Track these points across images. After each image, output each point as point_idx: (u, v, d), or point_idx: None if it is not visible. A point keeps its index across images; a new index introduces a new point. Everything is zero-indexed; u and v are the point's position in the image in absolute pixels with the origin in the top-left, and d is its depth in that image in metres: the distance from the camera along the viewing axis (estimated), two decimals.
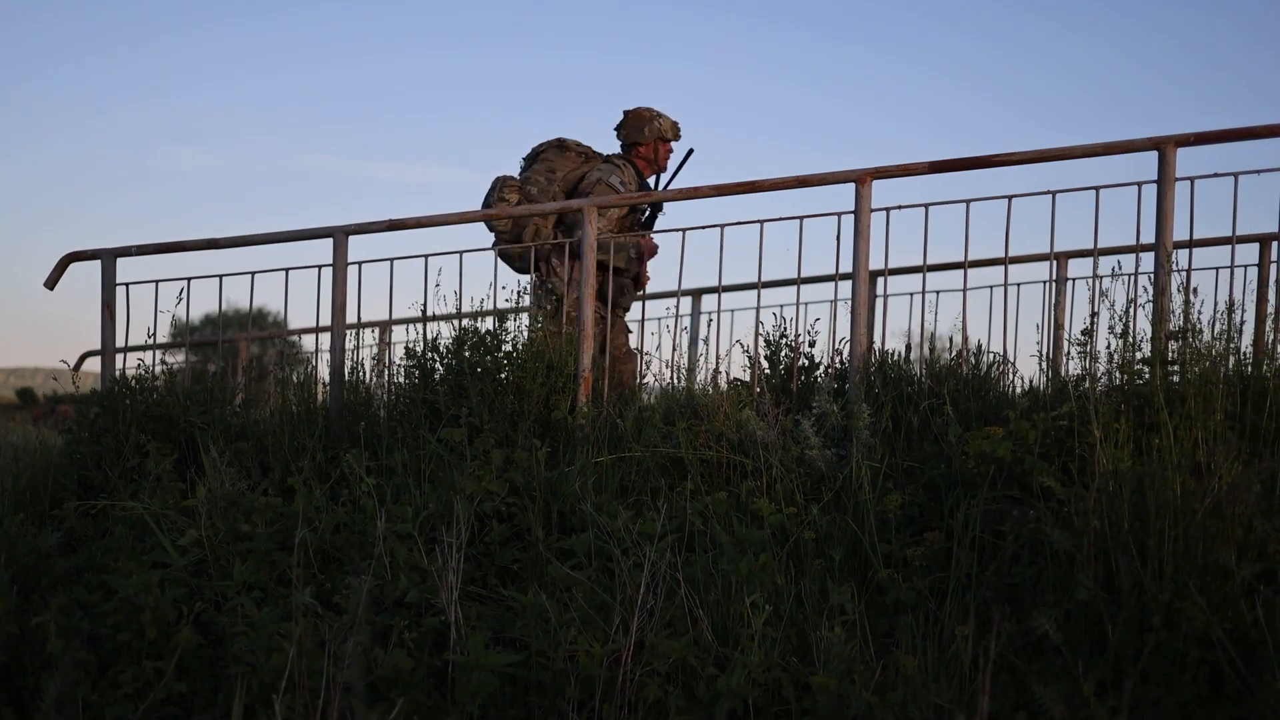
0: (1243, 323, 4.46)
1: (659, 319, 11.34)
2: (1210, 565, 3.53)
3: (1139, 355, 4.28)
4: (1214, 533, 3.56)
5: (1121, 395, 4.25)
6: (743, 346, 5.60)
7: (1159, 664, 3.48)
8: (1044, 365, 4.92)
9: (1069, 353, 4.52)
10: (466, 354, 5.32)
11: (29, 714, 3.85)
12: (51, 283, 6.88)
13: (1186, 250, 4.93)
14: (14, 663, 4.03)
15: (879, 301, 5.77)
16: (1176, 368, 4.13)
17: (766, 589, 3.95)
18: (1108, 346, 4.43)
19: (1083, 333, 4.45)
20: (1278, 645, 3.30)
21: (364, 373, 6.03)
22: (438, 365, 5.61)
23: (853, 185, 5.26)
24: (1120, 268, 4.62)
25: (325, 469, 5.29)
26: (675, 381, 5.79)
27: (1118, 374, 4.32)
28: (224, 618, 4.05)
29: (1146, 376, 4.21)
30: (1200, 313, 4.41)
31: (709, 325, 6.14)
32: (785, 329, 5.53)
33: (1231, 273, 4.96)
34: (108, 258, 6.68)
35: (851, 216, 5.31)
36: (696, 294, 8.87)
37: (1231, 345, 4.25)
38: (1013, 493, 4.25)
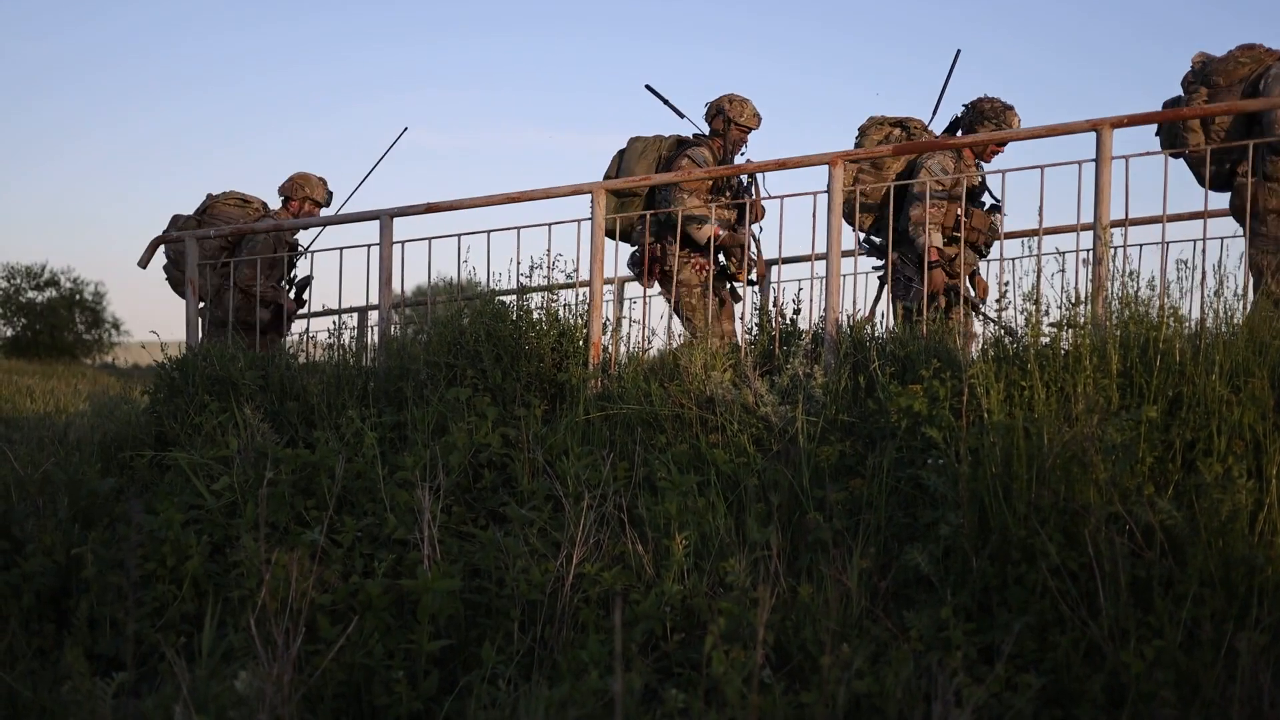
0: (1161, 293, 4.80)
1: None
2: (1067, 507, 3.96)
3: (1046, 321, 4.67)
4: (1075, 477, 3.99)
5: (1024, 357, 4.64)
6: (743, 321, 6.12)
7: (1019, 594, 3.93)
8: (985, 333, 5.31)
9: (983, 318, 4.91)
10: (465, 322, 5.91)
11: (69, 631, 4.53)
12: (144, 262, 7.68)
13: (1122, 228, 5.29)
14: (61, 588, 4.73)
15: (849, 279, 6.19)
16: (1066, 331, 4.50)
17: (701, 528, 4.48)
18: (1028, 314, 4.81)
19: (996, 301, 4.85)
20: (1110, 578, 3.74)
21: (407, 340, 6.67)
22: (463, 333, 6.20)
23: (826, 168, 5.72)
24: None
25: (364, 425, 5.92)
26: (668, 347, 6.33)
27: (1028, 337, 4.70)
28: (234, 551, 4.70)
29: (1048, 339, 4.60)
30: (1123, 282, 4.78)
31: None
32: (774, 301, 6.04)
33: (1164, 248, 5.27)
34: (190, 240, 7.46)
35: (825, 195, 5.77)
36: None
37: (1130, 312, 4.59)
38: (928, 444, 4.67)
